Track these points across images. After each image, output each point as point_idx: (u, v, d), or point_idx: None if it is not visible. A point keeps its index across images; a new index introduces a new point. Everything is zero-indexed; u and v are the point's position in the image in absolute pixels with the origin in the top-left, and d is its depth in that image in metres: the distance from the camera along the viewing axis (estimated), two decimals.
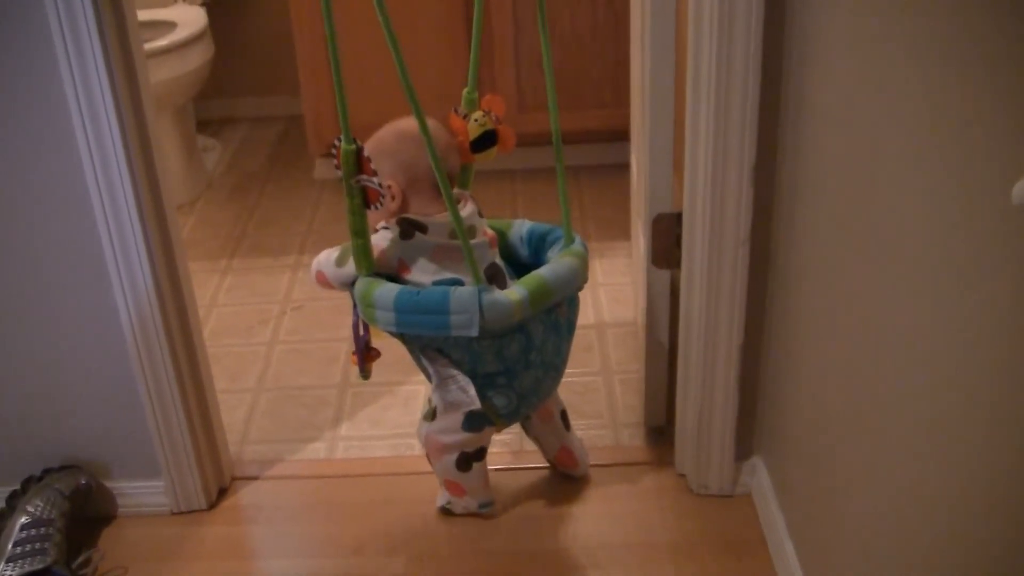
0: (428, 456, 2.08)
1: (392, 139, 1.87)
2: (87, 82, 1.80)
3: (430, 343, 1.85)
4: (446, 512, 2.15)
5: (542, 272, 1.85)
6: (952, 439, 1.17)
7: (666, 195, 2.02)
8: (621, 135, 3.01)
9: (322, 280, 1.94)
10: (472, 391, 1.86)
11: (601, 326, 2.76)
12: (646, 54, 1.96)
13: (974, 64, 1.06)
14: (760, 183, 1.86)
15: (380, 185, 1.72)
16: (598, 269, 2.99)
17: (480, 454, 2.05)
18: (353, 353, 1.96)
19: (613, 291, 2.90)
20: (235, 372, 2.67)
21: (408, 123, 1.88)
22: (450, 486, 2.10)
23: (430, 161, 1.84)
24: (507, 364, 1.86)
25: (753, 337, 2.01)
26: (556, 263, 1.88)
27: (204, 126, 4.10)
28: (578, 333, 1.97)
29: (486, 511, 2.13)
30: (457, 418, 1.95)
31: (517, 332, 1.83)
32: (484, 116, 1.92)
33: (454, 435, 1.99)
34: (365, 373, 1.98)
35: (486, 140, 1.93)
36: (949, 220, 1.14)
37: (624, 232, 3.06)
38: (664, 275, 2.12)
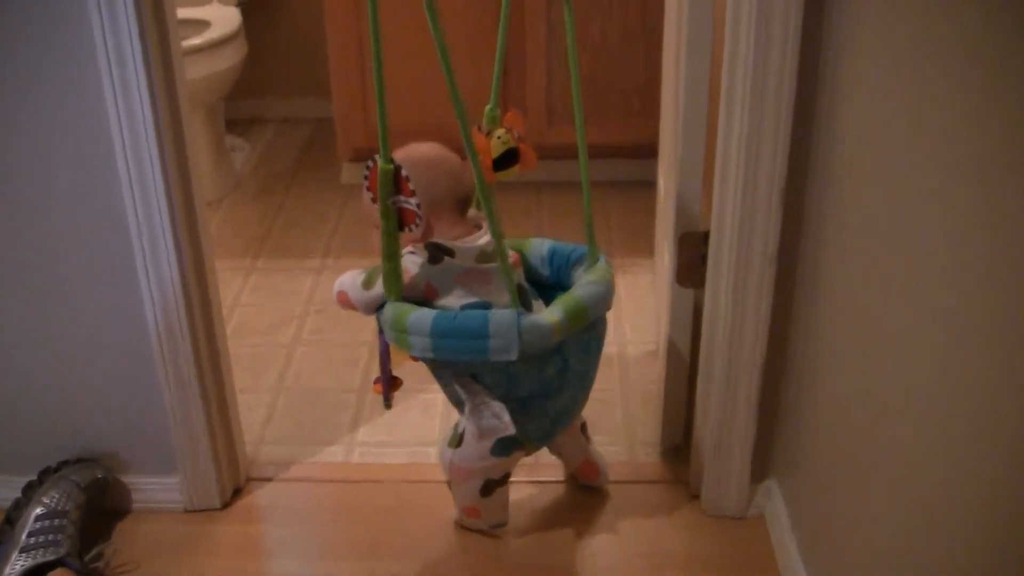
0: (449, 483, 2.05)
1: (407, 165, 1.75)
2: (125, 78, 1.80)
3: (464, 369, 1.82)
4: (460, 526, 2.14)
5: (577, 293, 1.83)
6: (975, 468, 1.16)
7: (694, 212, 2.02)
8: (647, 150, 3.00)
9: (344, 301, 1.90)
10: (507, 417, 1.81)
11: (622, 343, 2.75)
12: (680, 70, 1.95)
13: (1010, 88, 1.06)
14: (789, 203, 1.85)
15: (418, 206, 1.69)
16: (621, 286, 2.98)
17: (504, 479, 2.03)
18: (375, 382, 1.93)
19: (635, 308, 2.89)
20: (255, 372, 2.67)
21: (420, 148, 1.86)
22: (466, 511, 2.08)
23: (450, 183, 1.83)
24: (543, 387, 1.83)
25: (775, 358, 2.00)
26: (588, 284, 1.86)
27: (233, 125, 4.11)
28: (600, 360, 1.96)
29: (498, 531, 2.12)
30: (486, 444, 1.91)
31: (555, 354, 1.81)
32: (506, 133, 1.90)
33: (481, 461, 1.95)
34: (389, 402, 1.94)
35: (508, 158, 1.90)
36: (981, 245, 1.13)
37: (648, 249, 3.05)
38: (688, 293, 2.12)
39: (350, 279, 1.88)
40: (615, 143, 3.41)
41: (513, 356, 1.72)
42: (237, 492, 2.26)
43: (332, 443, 2.41)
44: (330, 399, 2.57)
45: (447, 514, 2.16)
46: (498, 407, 1.82)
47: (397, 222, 1.71)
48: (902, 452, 1.38)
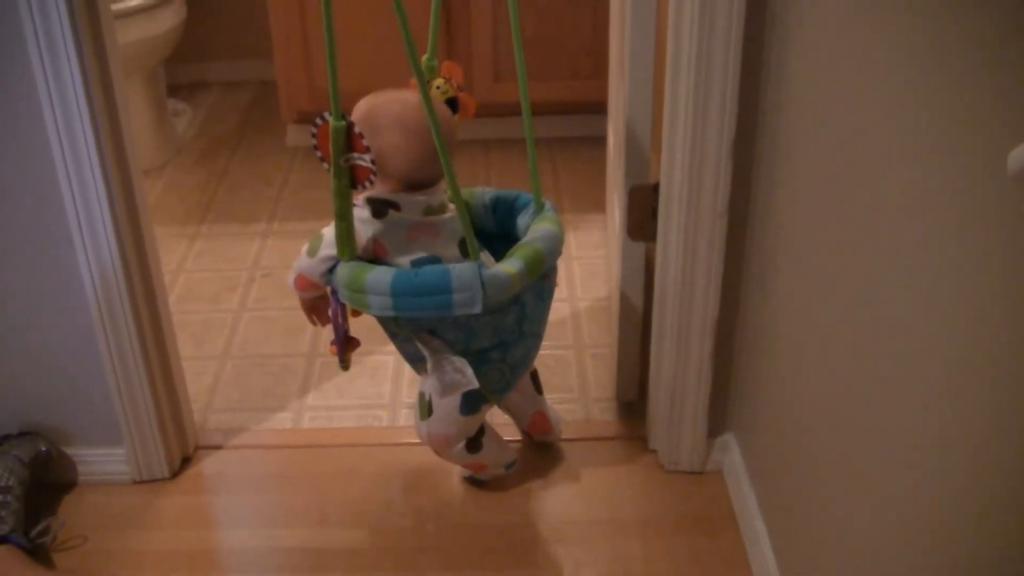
0: (437, 452, 2.01)
1: (372, 125, 1.74)
2: (52, 44, 1.74)
3: (423, 324, 1.79)
4: (471, 481, 2.13)
5: (533, 241, 1.81)
6: (926, 419, 1.14)
7: (643, 166, 1.99)
8: (597, 107, 2.97)
9: (303, 285, 1.84)
10: (469, 371, 1.79)
11: (574, 300, 2.73)
12: (626, 23, 1.92)
13: (959, 34, 1.03)
14: (739, 155, 1.83)
15: (372, 162, 1.64)
16: (572, 242, 2.96)
17: (482, 431, 2.01)
18: (332, 343, 1.89)
19: (587, 265, 2.87)
20: (201, 339, 2.62)
21: (393, 107, 1.78)
22: (472, 468, 2.08)
23: (420, 152, 1.79)
24: (502, 337, 1.81)
25: (728, 312, 1.98)
26: (540, 231, 1.83)
27: (175, 90, 4.03)
28: (551, 307, 1.94)
29: (511, 469, 2.11)
30: (452, 406, 1.90)
31: (513, 304, 1.79)
32: (445, 83, 1.88)
33: (455, 424, 1.94)
34: (345, 363, 1.90)
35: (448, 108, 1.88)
36: (933, 194, 1.11)
37: (599, 205, 3.03)
38: (639, 248, 2.09)
39: (299, 262, 1.83)
40: (564, 100, 3.37)
41: (477, 309, 1.70)
42: (186, 461, 2.22)
43: (281, 409, 2.37)
44: (278, 364, 2.53)
45: (397, 478, 2.13)
46: (460, 362, 1.80)
47: (350, 181, 1.67)
48: (855, 404, 1.37)
